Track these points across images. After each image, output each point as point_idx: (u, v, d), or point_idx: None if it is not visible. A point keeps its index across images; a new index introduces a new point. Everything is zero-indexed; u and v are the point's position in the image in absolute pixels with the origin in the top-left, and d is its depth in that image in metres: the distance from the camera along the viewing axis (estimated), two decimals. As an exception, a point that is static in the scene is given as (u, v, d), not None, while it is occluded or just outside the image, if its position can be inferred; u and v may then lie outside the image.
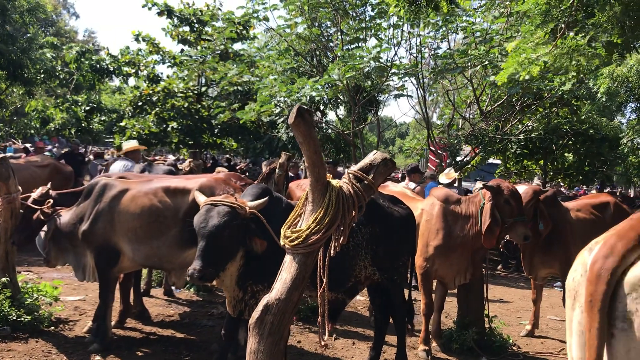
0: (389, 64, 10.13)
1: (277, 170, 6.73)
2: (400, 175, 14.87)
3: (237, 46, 15.79)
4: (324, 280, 3.44)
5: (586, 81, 10.23)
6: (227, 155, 21.37)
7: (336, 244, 3.37)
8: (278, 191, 6.51)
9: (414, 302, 6.72)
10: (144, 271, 6.99)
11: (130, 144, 8.47)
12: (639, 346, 1.92)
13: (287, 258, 3.27)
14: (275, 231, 3.91)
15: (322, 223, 3.31)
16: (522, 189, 6.03)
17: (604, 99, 10.53)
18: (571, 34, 3.77)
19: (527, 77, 4.26)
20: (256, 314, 3.12)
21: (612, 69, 9.74)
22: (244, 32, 15.52)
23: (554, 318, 7.62)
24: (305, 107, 3.22)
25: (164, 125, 15.48)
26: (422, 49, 10.31)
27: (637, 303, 1.94)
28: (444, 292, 5.99)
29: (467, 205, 5.68)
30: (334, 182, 3.47)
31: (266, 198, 4.22)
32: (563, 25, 3.75)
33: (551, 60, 3.91)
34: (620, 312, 1.98)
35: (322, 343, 3.67)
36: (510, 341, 6.06)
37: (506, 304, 8.24)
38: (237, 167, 15.63)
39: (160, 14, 16.31)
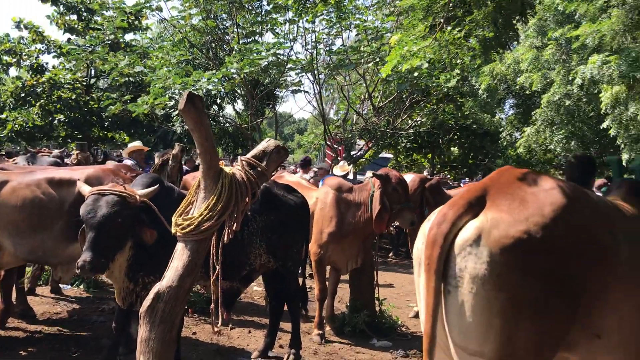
0: (285, 58, 10.25)
1: (170, 161, 6.59)
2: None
3: (129, 37, 15.26)
4: (217, 268, 3.47)
5: (469, 78, 10.95)
6: (122, 150, 20.59)
7: (229, 231, 3.41)
8: (172, 183, 6.40)
9: (309, 290, 6.90)
10: (28, 269, 6.62)
11: (134, 145, 8.12)
12: (469, 298, 2.17)
13: (179, 246, 3.26)
14: (168, 221, 3.88)
15: (215, 210, 3.32)
16: (409, 177, 6.37)
17: (484, 96, 11.33)
18: (449, 27, 4.06)
19: (408, 68, 4.50)
20: (147, 302, 3.09)
21: (493, 67, 10.49)
22: (136, 22, 15.01)
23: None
24: (195, 93, 3.23)
25: (50, 118, 14.65)
26: (317, 45, 10.50)
27: (466, 261, 2.20)
28: (337, 277, 6.22)
29: (358, 194, 5.91)
30: (227, 169, 3.49)
31: (157, 186, 4.17)
32: (442, 20, 4.03)
33: (431, 53, 4.19)
34: (453, 271, 2.23)
35: (215, 329, 3.71)
36: (399, 322, 6.39)
37: (396, 289, 8.64)
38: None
39: (44, 0, 15.37)
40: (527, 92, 9.91)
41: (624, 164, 6.53)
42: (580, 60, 8.60)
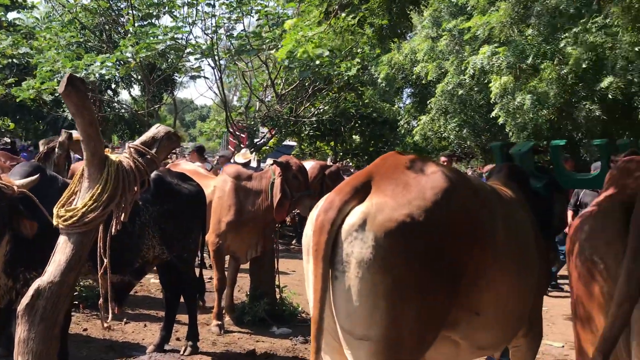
0: (184, 43, 9.98)
1: (56, 149, 6.21)
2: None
3: (12, 15, 14.19)
4: (105, 261, 3.33)
5: (369, 68, 11.17)
6: (6, 138, 19.19)
7: (117, 222, 3.27)
8: (58, 172, 6.03)
9: (209, 280, 6.79)
10: None
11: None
12: (355, 282, 2.19)
13: (62, 239, 3.07)
14: (50, 212, 3.65)
15: (100, 200, 3.14)
16: (309, 164, 6.40)
17: (383, 85, 11.61)
18: (343, 14, 4.08)
19: (310, 55, 4.50)
20: (26, 299, 2.89)
21: (391, 56, 10.75)
22: None
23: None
24: (77, 75, 3.04)
25: None
26: (218, 29, 10.29)
27: (352, 246, 2.21)
28: (237, 266, 6.16)
29: (258, 181, 5.86)
30: (113, 156, 3.33)
31: (37, 176, 3.89)
32: (337, 7, 4.05)
33: (326, 39, 4.21)
34: (340, 257, 2.24)
35: (105, 325, 3.56)
36: (300, 309, 6.42)
37: (298, 275, 8.64)
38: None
39: None
40: (423, 81, 10.23)
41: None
42: (472, 51, 8.99)
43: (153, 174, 4.52)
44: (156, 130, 3.51)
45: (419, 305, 2.21)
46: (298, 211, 7.58)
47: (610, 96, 7.22)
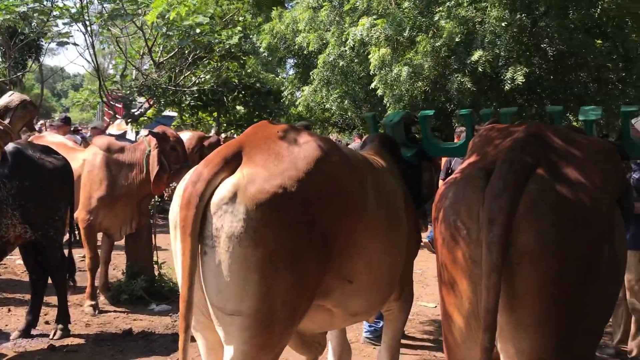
0: (50, 5, 9.23)
1: None
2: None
3: None
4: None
5: (251, 36, 10.96)
6: None
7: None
8: None
9: (82, 259, 6.43)
10: None
11: None
12: (225, 257, 2.12)
13: None
14: None
15: (-57, 176, 2.84)
16: (187, 135, 6.18)
17: (266, 54, 11.47)
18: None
19: (178, 18, 4.27)
20: None
21: (273, 25, 10.60)
22: None
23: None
24: None
25: None
26: (88, -9, 9.58)
27: (222, 220, 2.13)
28: (111, 244, 5.88)
29: (131, 154, 5.59)
30: (-43, 127, 3.00)
31: None
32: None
33: (199, 2, 4.02)
34: (209, 231, 2.14)
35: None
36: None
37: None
38: None
39: None
40: (305, 52, 10.23)
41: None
42: (352, 22, 9.09)
43: (10, 147, 4.14)
44: (9, 98, 3.23)
45: (291, 277, 2.17)
46: (176, 184, 7.32)
47: (479, 69, 7.62)
